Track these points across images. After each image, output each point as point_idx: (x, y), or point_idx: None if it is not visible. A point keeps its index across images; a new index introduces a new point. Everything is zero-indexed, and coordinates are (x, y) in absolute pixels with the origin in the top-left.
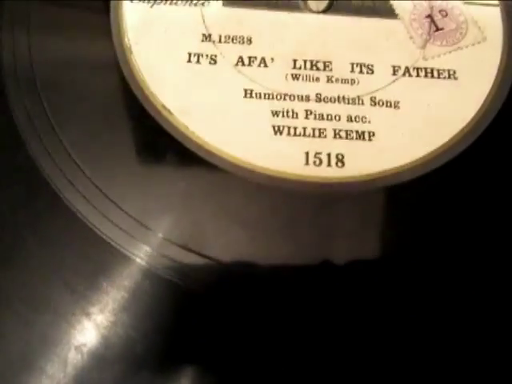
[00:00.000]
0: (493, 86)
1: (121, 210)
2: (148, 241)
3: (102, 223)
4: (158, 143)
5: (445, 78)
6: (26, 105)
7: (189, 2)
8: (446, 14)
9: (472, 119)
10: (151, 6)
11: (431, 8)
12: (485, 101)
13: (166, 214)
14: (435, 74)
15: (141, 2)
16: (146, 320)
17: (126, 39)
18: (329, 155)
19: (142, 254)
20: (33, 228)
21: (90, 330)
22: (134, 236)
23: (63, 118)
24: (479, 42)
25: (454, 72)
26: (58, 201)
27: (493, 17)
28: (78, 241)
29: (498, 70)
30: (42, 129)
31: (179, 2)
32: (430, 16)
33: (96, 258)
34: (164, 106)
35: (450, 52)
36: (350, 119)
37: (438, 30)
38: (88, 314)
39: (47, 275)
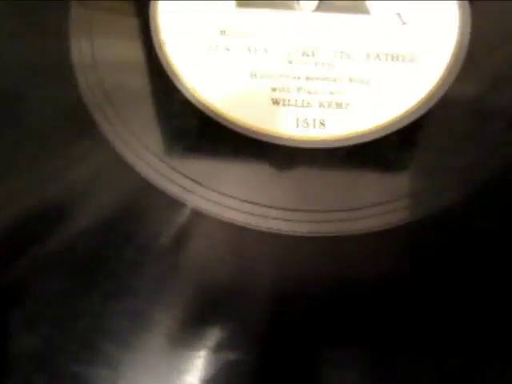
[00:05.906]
0: (446, 68)
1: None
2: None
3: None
4: (186, 113)
5: (407, 60)
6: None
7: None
8: (411, 11)
9: (427, 93)
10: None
11: (399, 7)
12: (439, 79)
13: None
14: (400, 58)
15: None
16: None
17: (161, 37)
18: (314, 120)
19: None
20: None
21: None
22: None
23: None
24: (436, 34)
25: (415, 56)
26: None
27: (450, 13)
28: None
29: (452, 55)
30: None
31: (202, 8)
32: (398, 13)
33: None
34: (191, 85)
35: (412, 40)
36: (331, 93)
37: (403, 24)
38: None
39: None
